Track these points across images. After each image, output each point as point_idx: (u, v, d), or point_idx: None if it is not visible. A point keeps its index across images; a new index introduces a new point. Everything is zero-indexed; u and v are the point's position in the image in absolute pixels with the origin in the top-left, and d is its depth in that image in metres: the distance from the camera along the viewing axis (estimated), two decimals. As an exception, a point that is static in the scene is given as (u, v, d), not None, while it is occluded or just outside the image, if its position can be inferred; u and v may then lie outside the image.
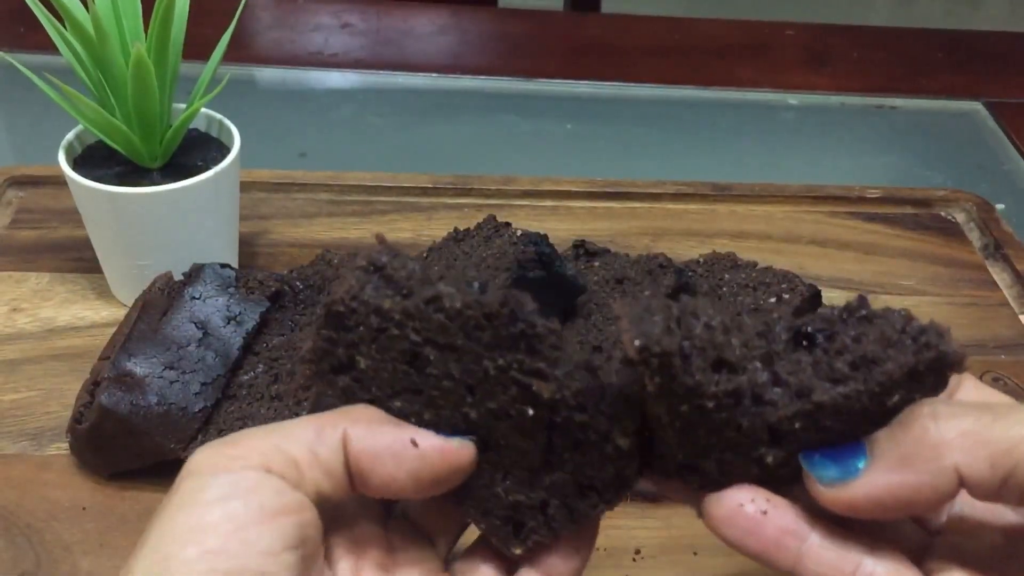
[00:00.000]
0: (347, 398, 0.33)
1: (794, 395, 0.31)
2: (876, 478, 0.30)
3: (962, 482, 0.29)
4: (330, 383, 0.33)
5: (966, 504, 0.34)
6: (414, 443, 0.32)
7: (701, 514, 0.33)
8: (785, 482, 0.32)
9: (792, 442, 0.31)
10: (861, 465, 0.30)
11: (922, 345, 0.30)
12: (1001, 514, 0.33)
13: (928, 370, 0.30)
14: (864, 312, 0.31)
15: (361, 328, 0.32)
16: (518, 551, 0.33)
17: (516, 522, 0.33)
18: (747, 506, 0.31)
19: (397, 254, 0.32)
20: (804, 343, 0.32)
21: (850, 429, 0.31)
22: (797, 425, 0.31)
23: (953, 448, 0.29)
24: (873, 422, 0.31)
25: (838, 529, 0.32)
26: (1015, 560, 0.32)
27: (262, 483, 0.30)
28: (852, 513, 0.30)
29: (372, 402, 0.33)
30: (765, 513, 0.31)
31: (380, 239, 0.33)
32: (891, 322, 0.31)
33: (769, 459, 0.31)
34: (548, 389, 0.31)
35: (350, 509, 0.35)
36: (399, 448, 0.32)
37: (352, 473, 0.32)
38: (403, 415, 0.32)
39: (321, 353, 0.32)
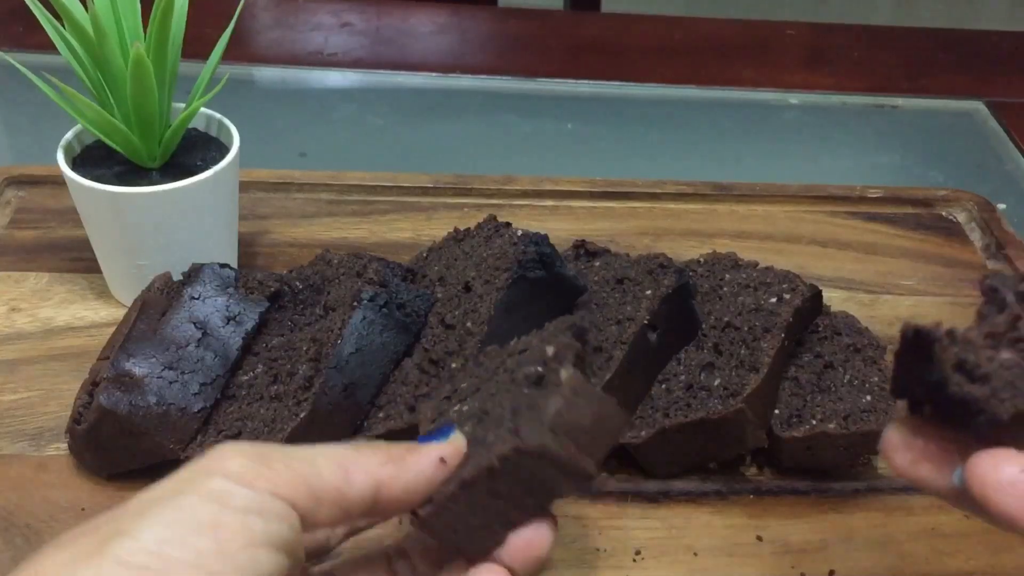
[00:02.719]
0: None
1: None
2: None
3: None
4: None
5: None
6: (442, 461, 0.35)
7: (964, 480, 0.31)
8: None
9: None
10: None
11: None
12: None
13: None
14: None
15: None
16: None
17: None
18: None
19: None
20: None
21: None
22: None
23: None
24: None
25: None
26: None
27: (282, 514, 0.32)
28: None
29: None
30: None
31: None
32: None
33: None
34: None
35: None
36: (431, 473, 0.35)
37: (373, 504, 0.35)
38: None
39: None
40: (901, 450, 0.34)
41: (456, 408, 0.39)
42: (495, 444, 0.34)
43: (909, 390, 0.33)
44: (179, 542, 0.30)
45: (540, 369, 0.36)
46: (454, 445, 0.36)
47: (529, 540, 0.36)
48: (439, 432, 0.37)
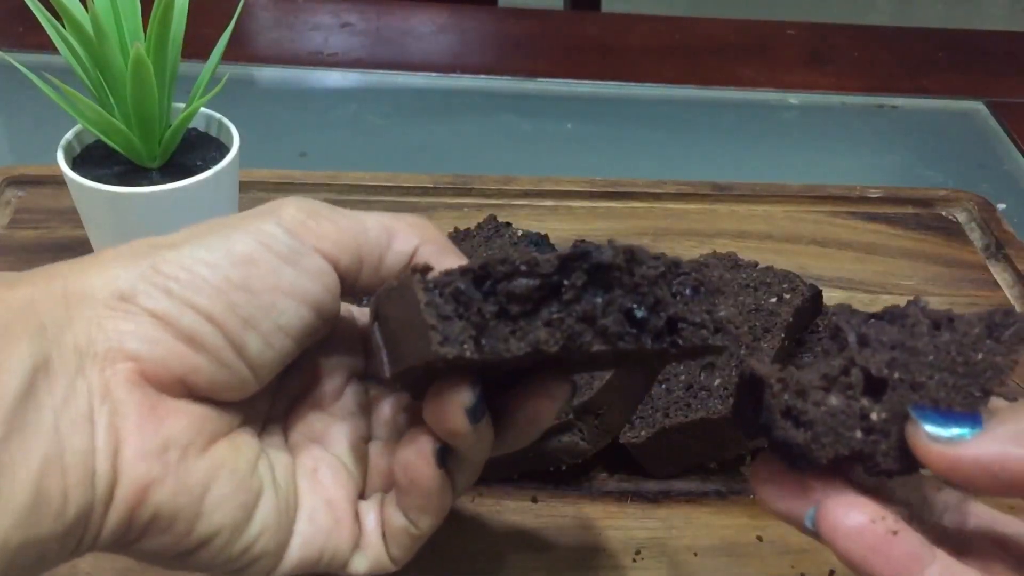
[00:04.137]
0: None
1: (888, 347, 0.32)
2: (989, 445, 0.30)
3: None
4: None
5: None
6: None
7: (815, 522, 0.31)
8: (884, 464, 0.32)
9: (893, 399, 0.31)
10: (976, 431, 0.30)
11: (993, 310, 0.32)
12: None
13: (1002, 325, 0.32)
14: (922, 303, 0.33)
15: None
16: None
17: None
18: (878, 523, 0.30)
19: None
20: (872, 320, 0.34)
21: (946, 391, 0.31)
22: (896, 375, 0.31)
23: None
24: (966, 386, 0.32)
25: (954, 556, 0.31)
26: None
27: (320, 271, 0.35)
28: (952, 474, 0.30)
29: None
30: (896, 534, 0.30)
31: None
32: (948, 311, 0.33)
33: (873, 416, 0.31)
34: None
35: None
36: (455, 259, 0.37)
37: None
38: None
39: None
40: (766, 483, 0.33)
41: None
42: None
43: (746, 427, 0.33)
44: (213, 265, 0.33)
45: None
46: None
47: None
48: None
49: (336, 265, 0.35)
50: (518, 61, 1.03)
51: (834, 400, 0.32)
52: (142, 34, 0.59)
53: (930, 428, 0.30)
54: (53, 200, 0.72)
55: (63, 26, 0.56)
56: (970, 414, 0.31)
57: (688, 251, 0.70)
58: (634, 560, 0.50)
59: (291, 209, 0.35)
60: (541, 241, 0.55)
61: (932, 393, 0.31)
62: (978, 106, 0.99)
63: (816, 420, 0.31)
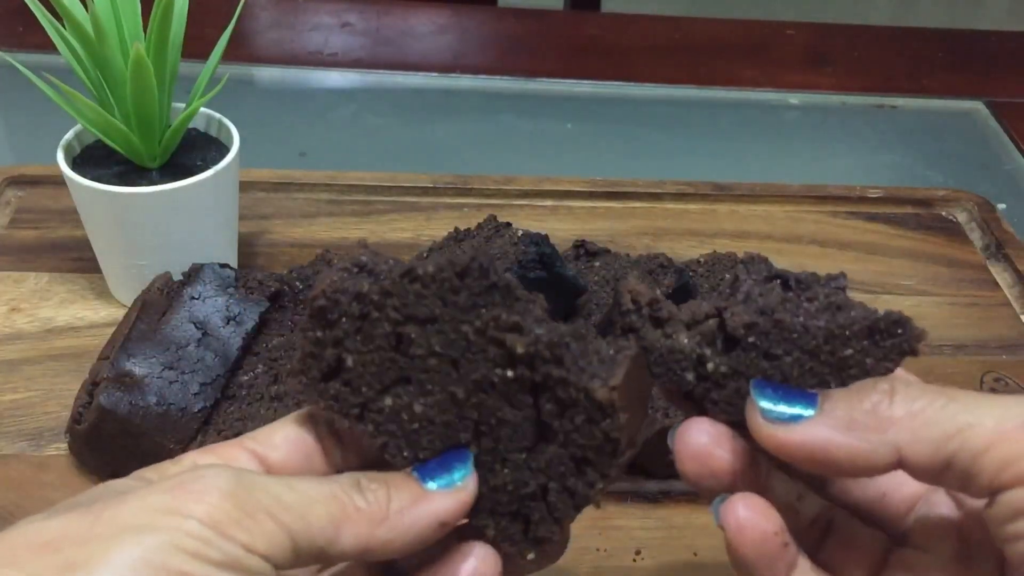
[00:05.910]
0: (340, 408, 0.33)
1: (757, 310, 0.32)
2: (818, 431, 0.30)
3: (902, 461, 0.30)
4: (321, 393, 0.33)
5: (930, 506, 0.35)
6: (442, 525, 0.31)
7: (719, 522, 0.33)
8: (714, 411, 0.33)
9: (741, 358, 0.32)
10: (808, 413, 0.31)
11: (887, 314, 0.32)
12: (960, 522, 0.34)
13: (887, 332, 0.31)
14: (842, 283, 0.33)
15: (344, 320, 0.32)
16: (531, 555, 0.33)
17: (523, 517, 0.33)
18: (780, 536, 0.32)
19: (377, 253, 0.33)
20: (778, 281, 0.34)
21: (800, 372, 0.32)
22: (751, 339, 0.32)
23: (900, 427, 0.29)
24: (823, 373, 0.32)
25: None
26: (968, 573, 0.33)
27: (256, 571, 0.29)
28: (780, 454, 0.31)
29: (363, 406, 0.33)
30: (787, 546, 0.32)
31: (363, 244, 0.34)
32: (862, 304, 0.33)
33: (710, 365, 0.32)
34: (521, 343, 0.31)
35: None
36: (429, 533, 0.31)
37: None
38: (395, 413, 0.32)
39: (309, 359, 0.33)
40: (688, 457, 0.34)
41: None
42: None
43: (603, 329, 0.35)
44: None
45: None
46: (461, 497, 0.32)
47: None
48: (447, 462, 0.32)
49: (271, 561, 0.29)
50: (518, 61, 1.03)
51: (684, 339, 0.33)
52: (142, 34, 0.59)
53: (763, 403, 0.31)
54: (53, 200, 0.72)
55: (63, 26, 0.56)
56: (804, 394, 0.31)
57: (688, 251, 0.70)
58: (634, 560, 0.50)
59: (214, 502, 0.28)
60: (541, 241, 0.55)
61: (782, 367, 0.32)
62: (978, 106, 0.99)
63: (657, 348, 0.33)
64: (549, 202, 0.77)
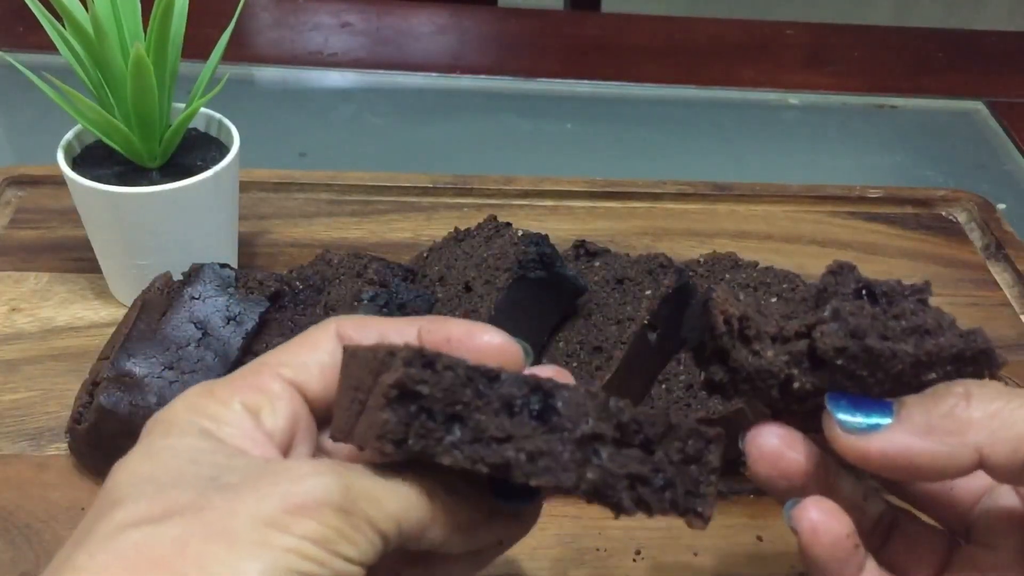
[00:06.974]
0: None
1: (848, 332, 0.32)
2: (897, 438, 0.31)
3: (982, 462, 0.30)
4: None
5: (994, 499, 0.35)
6: (501, 543, 0.34)
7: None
8: (796, 415, 0.33)
9: (826, 377, 0.32)
10: (886, 422, 0.31)
11: (970, 339, 0.32)
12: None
13: (972, 360, 0.32)
14: (925, 295, 0.34)
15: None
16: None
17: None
18: (851, 538, 0.32)
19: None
20: (866, 295, 0.33)
21: (879, 389, 0.32)
22: (840, 361, 0.32)
23: (979, 428, 0.30)
24: (901, 391, 0.32)
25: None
26: None
27: None
28: (862, 463, 0.31)
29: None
30: (858, 547, 0.33)
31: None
32: (943, 315, 0.33)
33: (796, 384, 0.32)
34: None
35: None
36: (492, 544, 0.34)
37: None
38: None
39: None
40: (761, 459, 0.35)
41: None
42: None
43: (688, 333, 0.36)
44: None
45: None
46: (528, 524, 0.33)
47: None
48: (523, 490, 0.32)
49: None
50: (518, 61, 1.03)
51: (771, 355, 0.33)
52: (142, 34, 0.59)
53: (840, 415, 0.31)
54: (53, 200, 0.72)
55: (63, 26, 0.56)
56: (880, 402, 0.32)
57: (688, 251, 0.70)
58: (634, 560, 0.50)
59: (323, 516, 0.28)
60: (541, 241, 0.55)
61: (863, 385, 0.32)
62: (978, 106, 0.99)
63: (745, 368, 0.33)
64: (549, 202, 0.77)
